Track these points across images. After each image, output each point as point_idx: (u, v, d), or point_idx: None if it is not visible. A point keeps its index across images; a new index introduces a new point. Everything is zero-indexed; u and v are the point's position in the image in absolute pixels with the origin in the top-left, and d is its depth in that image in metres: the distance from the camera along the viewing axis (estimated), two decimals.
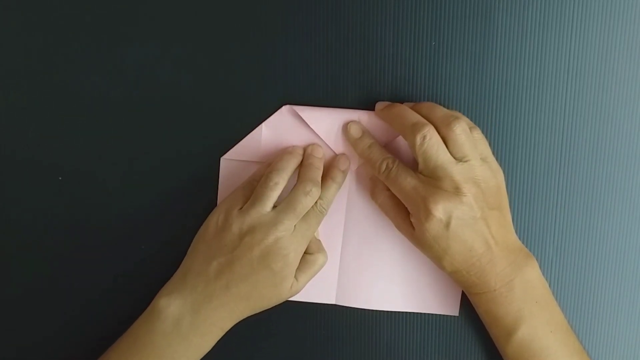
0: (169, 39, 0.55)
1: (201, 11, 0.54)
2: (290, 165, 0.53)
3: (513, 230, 0.53)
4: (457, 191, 0.49)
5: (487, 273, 0.51)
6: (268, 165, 0.53)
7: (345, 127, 0.54)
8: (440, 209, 0.49)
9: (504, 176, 0.52)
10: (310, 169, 0.53)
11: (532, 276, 0.51)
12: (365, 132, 0.54)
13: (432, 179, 0.50)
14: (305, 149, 0.55)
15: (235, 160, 0.56)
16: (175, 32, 0.55)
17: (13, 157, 0.56)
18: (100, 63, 0.55)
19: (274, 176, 0.52)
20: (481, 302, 0.52)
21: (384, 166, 0.52)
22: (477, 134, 0.52)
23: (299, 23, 0.54)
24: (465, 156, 0.50)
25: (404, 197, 0.51)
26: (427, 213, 0.50)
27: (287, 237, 0.50)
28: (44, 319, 0.58)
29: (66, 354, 0.57)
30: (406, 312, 0.57)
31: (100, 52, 0.55)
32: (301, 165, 0.54)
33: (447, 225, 0.50)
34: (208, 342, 0.51)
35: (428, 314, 0.57)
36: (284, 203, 0.51)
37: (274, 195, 0.51)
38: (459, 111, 0.54)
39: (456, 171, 0.50)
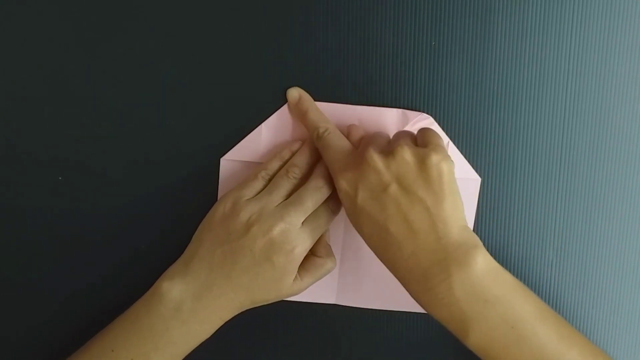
0: (169, 39, 0.55)
1: (201, 11, 0.54)
2: (311, 159, 0.53)
3: (457, 224, 0.46)
4: (365, 156, 0.47)
5: (412, 269, 0.46)
6: (276, 158, 0.53)
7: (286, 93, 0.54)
8: (344, 180, 0.48)
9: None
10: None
11: (475, 274, 0.45)
12: (303, 96, 0.53)
13: (355, 152, 0.49)
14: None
15: (235, 161, 0.56)
16: (175, 32, 0.55)
17: (12, 156, 0.56)
18: (100, 63, 0.55)
19: (296, 170, 0.52)
20: (421, 303, 0.47)
21: (314, 134, 0.52)
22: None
23: (299, 23, 0.54)
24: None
25: (329, 167, 0.50)
26: (337, 186, 0.49)
27: (293, 230, 0.49)
28: (39, 314, 0.58)
29: (65, 343, 0.58)
30: (406, 312, 0.57)
31: (101, 52, 0.55)
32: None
33: (354, 200, 0.47)
34: (207, 329, 0.51)
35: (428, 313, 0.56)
36: (294, 196, 0.51)
37: (289, 186, 0.51)
38: (459, 111, 0.54)
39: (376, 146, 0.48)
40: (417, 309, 0.56)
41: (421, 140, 0.49)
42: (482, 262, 0.46)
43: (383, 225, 0.47)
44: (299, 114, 0.54)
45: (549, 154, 0.55)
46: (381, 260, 0.49)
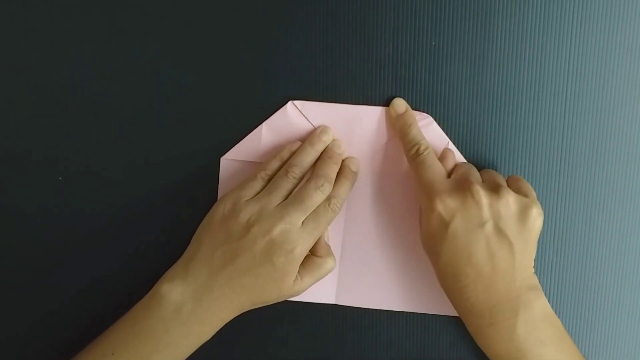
0: (169, 39, 0.55)
1: (201, 11, 0.54)
2: (311, 159, 0.53)
3: (530, 270, 0.50)
4: (471, 189, 0.48)
5: (480, 302, 0.49)
6: (276, 158, 0.53)
7: (391, 102, 0.54)
8: (443, 204, 0.48)
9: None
10: (327, 164, 0.53)
11: (537, 315, 0.49)
12: (409, 110, 0.54)
13: (455, 180, 0.50)
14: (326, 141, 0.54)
15: (235, 160, 0.56)
16: (175, 32, 0.55)
17: (12, 156, 0.56)
18: (100, 63, 0.55)
19: (296, 170, 0.52)
20: (478, 334, 0.50)
21: (414, 150, 0.52)
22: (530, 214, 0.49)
23: (298, 23, 0.54)
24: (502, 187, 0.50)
25: (420, 186, 0.51)
26: (431, 206, 0.49)
27: (294, 230, 0.49)
28: (40, 314, 0.58)
29: (65, 344, 0.58)
30: (406, 312, 0.57)
31: (101, 52, 0.55)
32: (319, 158, 0.54)
33: (447, 225, 0.48)
34: (207, 331, 0.51)
35: (428, 314, 0.57)
36: (293, 196, 0.51)
37: (289, 186, 0.51)
38: (459, 111, 0.54)
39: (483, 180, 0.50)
40: (417, 309, 0.56)
41: (516, 188, 0.51)
42: (543, 305, 0.49)
43: (466, 256, 0.48)
44: (399, 126, 0.53)
45: (549, 155, 0.55)
46: (443, 286, 0.51)
